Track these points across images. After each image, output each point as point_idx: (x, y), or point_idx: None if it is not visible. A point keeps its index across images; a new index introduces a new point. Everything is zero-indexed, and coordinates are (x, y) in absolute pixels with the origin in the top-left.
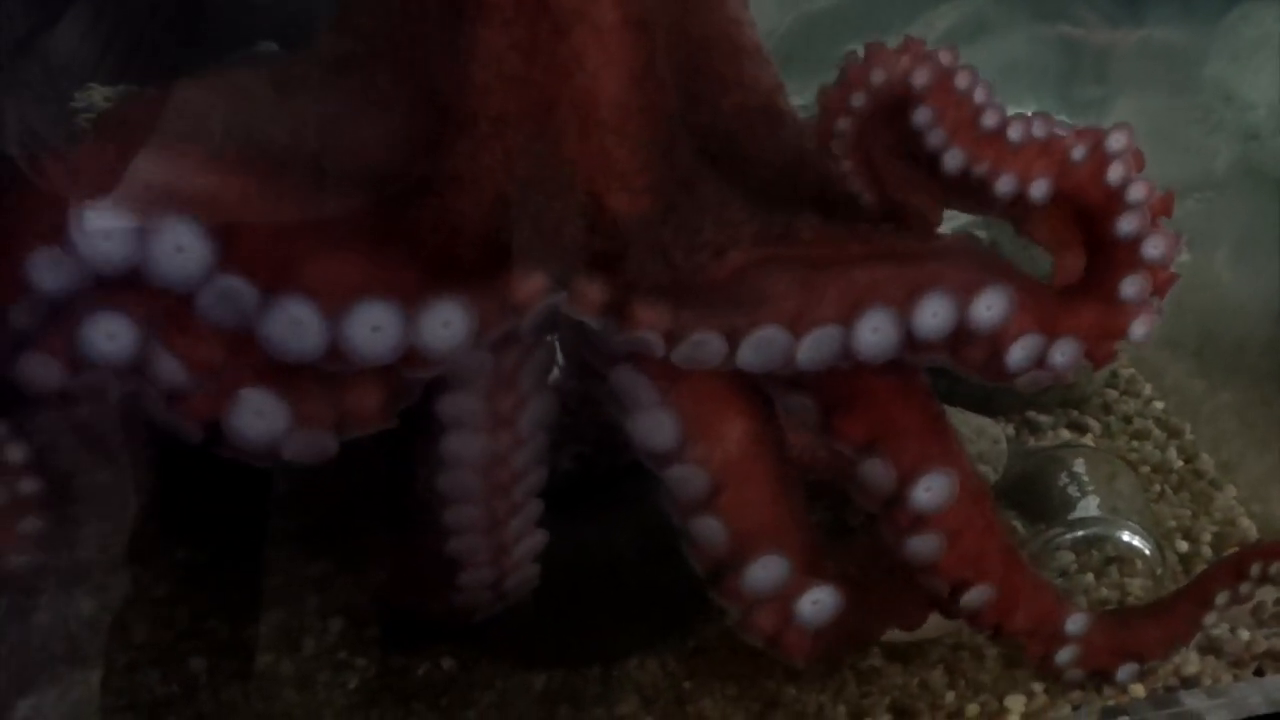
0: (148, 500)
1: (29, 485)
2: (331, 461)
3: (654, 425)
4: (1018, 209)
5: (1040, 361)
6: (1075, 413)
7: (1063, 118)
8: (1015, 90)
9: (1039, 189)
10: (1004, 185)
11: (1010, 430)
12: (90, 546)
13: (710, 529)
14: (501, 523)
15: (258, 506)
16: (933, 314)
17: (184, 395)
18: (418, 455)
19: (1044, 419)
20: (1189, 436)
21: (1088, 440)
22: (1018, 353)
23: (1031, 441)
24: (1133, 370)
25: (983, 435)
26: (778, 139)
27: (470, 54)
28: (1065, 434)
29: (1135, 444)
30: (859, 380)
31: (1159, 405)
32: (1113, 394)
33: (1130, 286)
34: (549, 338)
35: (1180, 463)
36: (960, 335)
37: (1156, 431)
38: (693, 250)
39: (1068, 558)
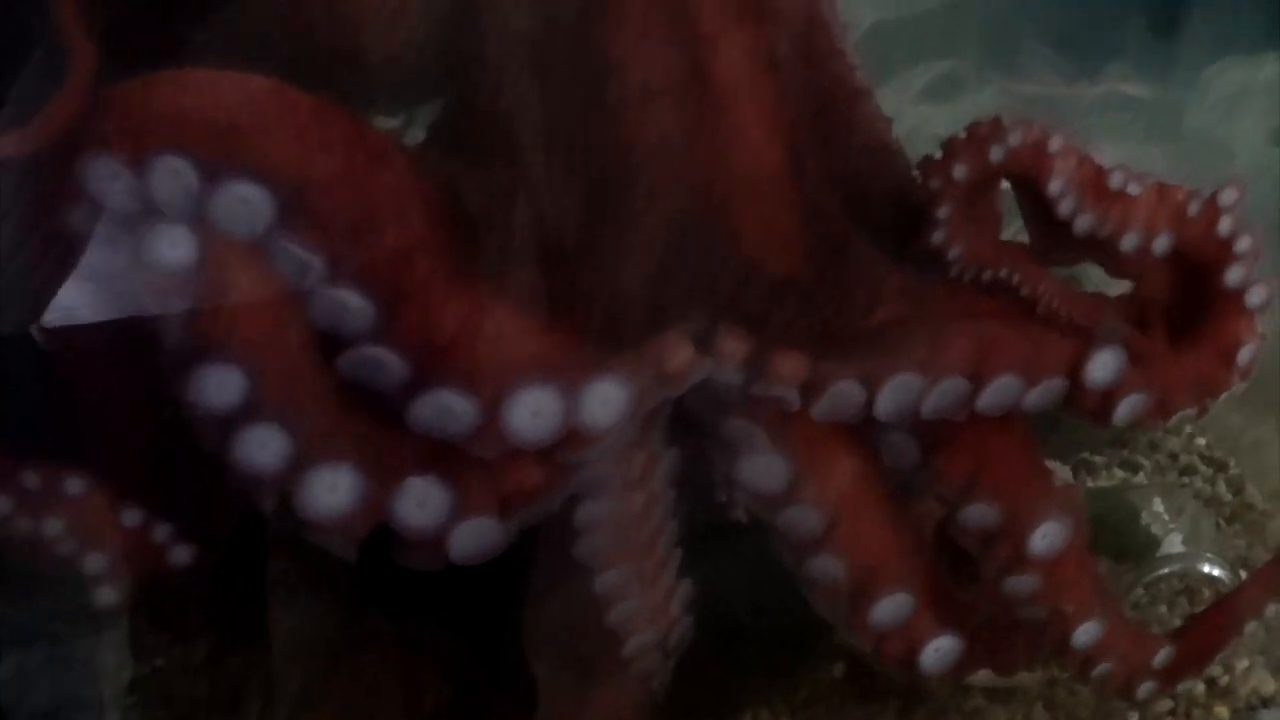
0: None
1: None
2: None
3: (765, 468)
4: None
5: (1147, 413)
6: (1125, 452)
7: None
8: None
9: (1161, 244)
10: (1129, 243)
11: (1068, 473)
12: None
13: (829, 567)
14: (653, 581)
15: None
16: (1049, 387)
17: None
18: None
19: (1098, 460)
20: (1234, 470)
21: (1140, 479)
22: (1125, 406)
23: (1090, 483)
24: None
25: None
26: (895, 171)
27: (634, 135)
28: (1119, 473)
29: (1185, 479)
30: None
31: (1200, 441)
32: (1156, 433)
33: (1238, 337)
34: None
35: (1230, 495)
36: (1074, 392)
37: (1203, 467)
38: (844, 309)
39: (1137, 592)
